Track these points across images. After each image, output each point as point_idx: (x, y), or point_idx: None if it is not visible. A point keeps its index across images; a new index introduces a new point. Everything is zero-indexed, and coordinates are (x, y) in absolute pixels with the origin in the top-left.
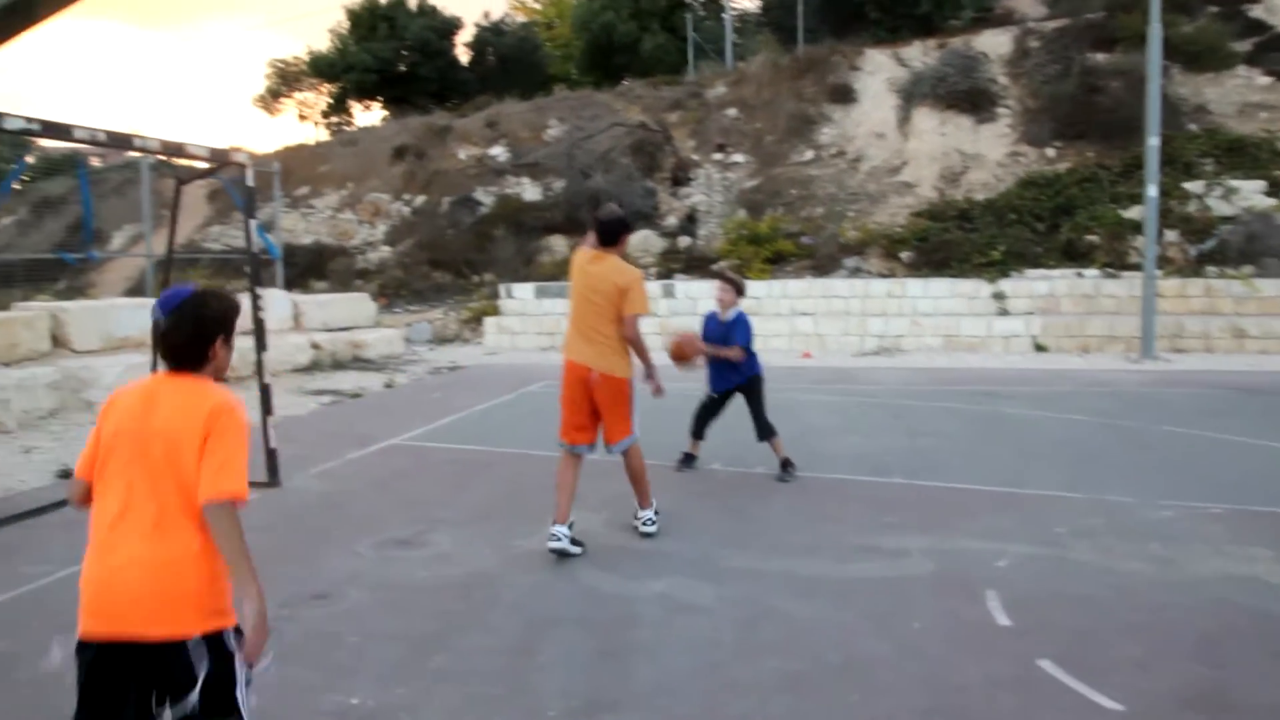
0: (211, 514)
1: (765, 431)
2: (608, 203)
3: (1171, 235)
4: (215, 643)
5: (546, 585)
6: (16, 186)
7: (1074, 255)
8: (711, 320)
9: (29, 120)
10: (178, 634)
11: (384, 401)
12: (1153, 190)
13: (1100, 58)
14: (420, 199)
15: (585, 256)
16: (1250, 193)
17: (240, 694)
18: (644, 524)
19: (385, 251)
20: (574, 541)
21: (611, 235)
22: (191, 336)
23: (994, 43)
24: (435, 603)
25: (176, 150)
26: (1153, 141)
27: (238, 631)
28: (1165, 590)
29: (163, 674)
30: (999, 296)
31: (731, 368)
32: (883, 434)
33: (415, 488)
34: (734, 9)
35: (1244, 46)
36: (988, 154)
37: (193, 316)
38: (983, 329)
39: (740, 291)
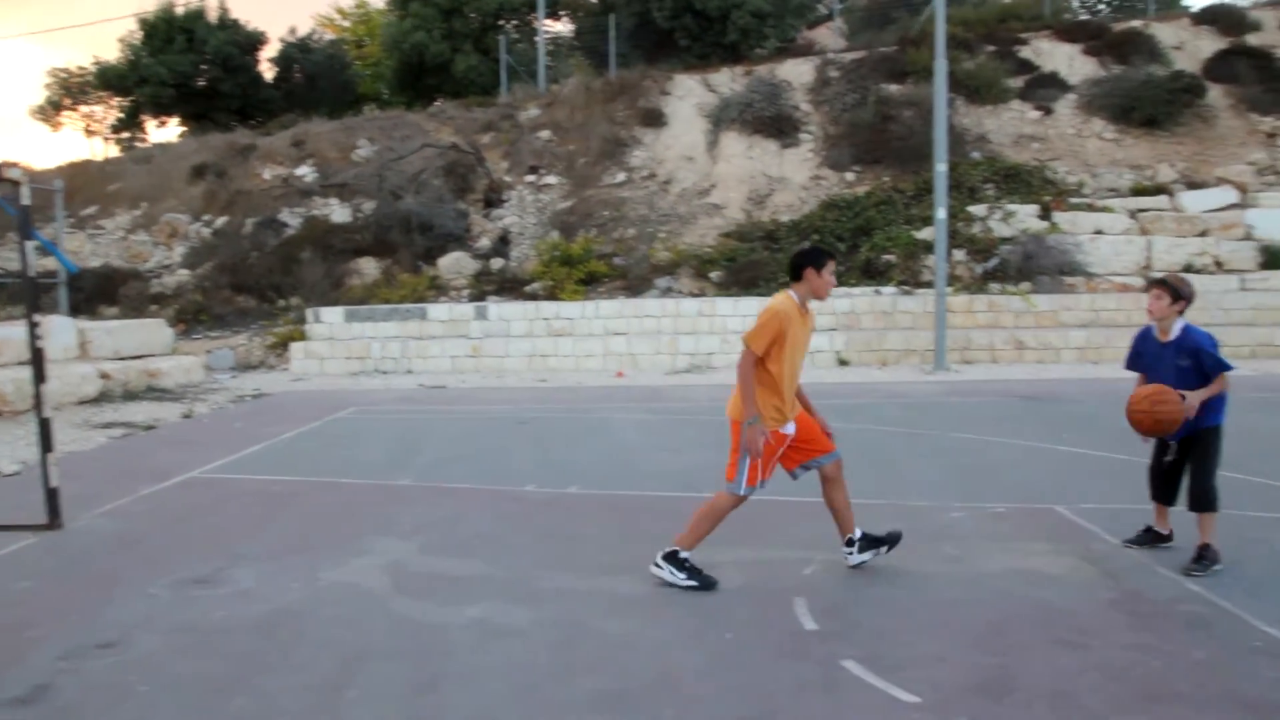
0: None
1: (1205, 500)
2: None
3: (959, 255)
4: None
5: (356, 618)
6: None
7: (873, 273)
8: (1146, 340)
9: None
10: None
11: (182, 433)
12: (941, 213)
13: (894, 88)
14: (221, 220)
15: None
16: (1025, 216)
17: None
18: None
19: (183, 275)
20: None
21: (792, 270)
22: None
23: (797, 71)
24: (236, 643)
25: None
26: (940, 167)
27: None
28: (956, 587)
29: None
30: None
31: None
32: (693, 450)
33: (215, 523)
34: (547, 32)
35: (1017, 83)
36: (792, 177)
37: None
38: None
39: (1179, 297)
